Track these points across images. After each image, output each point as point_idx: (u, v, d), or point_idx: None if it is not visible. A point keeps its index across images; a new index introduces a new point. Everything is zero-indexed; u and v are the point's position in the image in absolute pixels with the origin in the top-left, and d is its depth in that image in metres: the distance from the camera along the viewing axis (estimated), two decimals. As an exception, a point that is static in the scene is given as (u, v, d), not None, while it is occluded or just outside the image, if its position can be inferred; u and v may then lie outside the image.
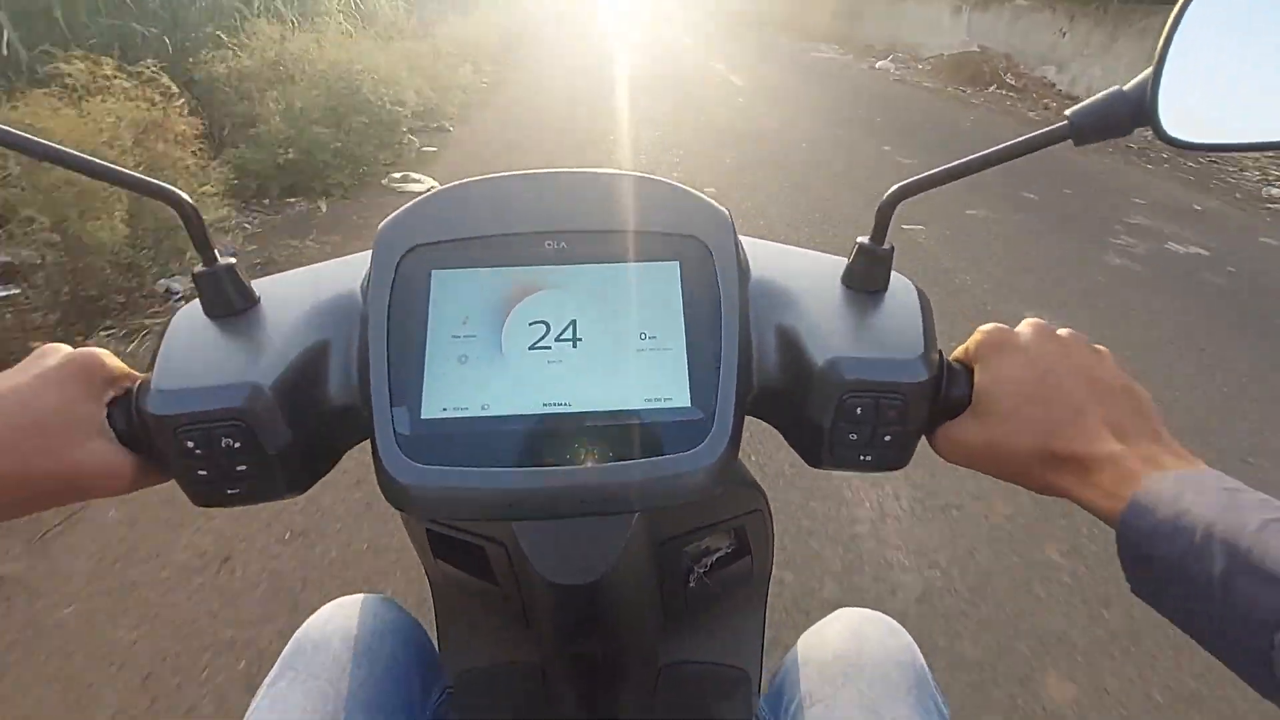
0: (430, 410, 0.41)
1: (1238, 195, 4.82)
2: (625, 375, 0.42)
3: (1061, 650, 1.45)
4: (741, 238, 0.48)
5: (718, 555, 0.59)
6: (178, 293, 2.74)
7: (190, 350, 0.42)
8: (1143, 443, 0.38)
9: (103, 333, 2.48)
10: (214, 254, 0.44)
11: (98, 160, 0.40)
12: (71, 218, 2.37)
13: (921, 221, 3.85)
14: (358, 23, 6.54)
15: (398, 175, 4.41)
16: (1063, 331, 0.43)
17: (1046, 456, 0.39)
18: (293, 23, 5.37)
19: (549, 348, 0.42)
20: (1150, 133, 0.40)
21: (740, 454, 0.44)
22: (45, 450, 0.37)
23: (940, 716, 0.52)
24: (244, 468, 0.40)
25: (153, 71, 3.12)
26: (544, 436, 0.40)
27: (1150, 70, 0.39)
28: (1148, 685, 1.38)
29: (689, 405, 0.41)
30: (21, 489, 0.37)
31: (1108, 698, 1.36)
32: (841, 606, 0.61)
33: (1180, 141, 0.39)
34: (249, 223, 3.62)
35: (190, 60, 4.15)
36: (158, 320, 2.56)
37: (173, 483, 0.42)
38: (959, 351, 0.45)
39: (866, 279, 0.46)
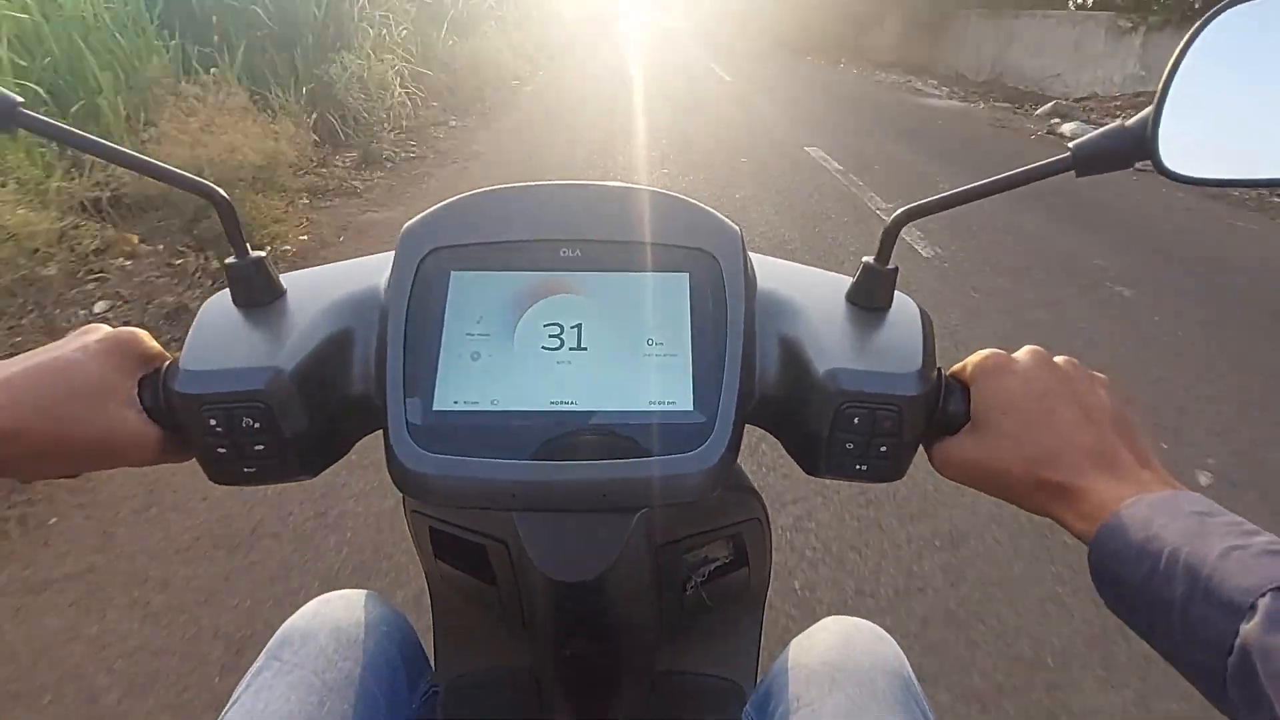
0: (442, 402, 0.43)
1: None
2: (631, 378, 0.43)
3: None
4: (751, 254, 0.49)
5: (715, 565, 0.60)
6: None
7: (218, 336, 0.44)
8: (1129, 470, 0.39)
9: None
10: (246, 247, 0.46)
11: (142, 156, 0.43)
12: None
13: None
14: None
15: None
16: (1060, 359, 0.44)
17: (1035, 479, 0.40)
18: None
19: (559, 349, 0.44)
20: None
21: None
22: (79, 417, 0.40)
23: None
24: (261, 448, 0.42)
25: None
26: (549, 432, 0.42)
27: (1152, 107, 0.40)
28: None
29: (692, 409, 0.43)
30: (57, 450, 0.40)
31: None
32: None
33: (1178, 175, 0.40)
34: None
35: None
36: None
37: None
38: (956, 370, 0.46)
39: (870, 296, 0.48)
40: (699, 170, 5.10)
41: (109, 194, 3.02)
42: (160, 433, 0.43)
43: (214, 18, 4.59)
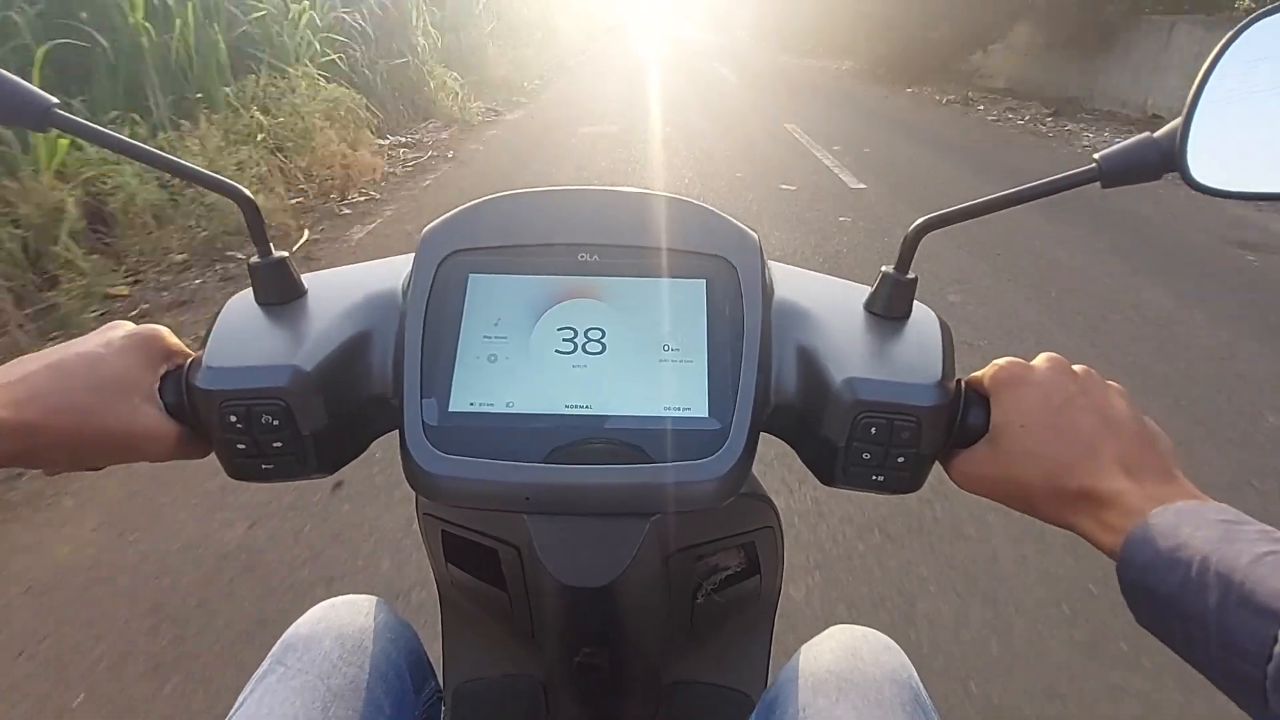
0: (458, 404, 0.43)
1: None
2: (647, 383, 0.43)
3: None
4: (770, 262, 0.49)
5: (726, 573, 0.59)
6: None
7: (240, 334, 0.45)
8: (1152, 479, 0.38)
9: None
10: (269, 247, 0.47)
11: (170, 156, 0.44)
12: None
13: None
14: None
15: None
16: (1078, 367, 0.43)
17: (1057, 491, 0.40)
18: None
19: (575, 353, 0.44)
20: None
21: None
22: (102, 411, 0.40)
23: None
24: (279, 444, 0.42)
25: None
26: (564, 435, 0.42)
27: (1181, 119, 0.40)
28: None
29: (707, 416, 0.42)
30: (80, 444, 0.40)
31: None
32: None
33: (1207, 188, 0.40)
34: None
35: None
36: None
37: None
38: (974, 381, 0.46)
39: (889, 306, 0.47)
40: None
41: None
42: (180, 428, 0.43)
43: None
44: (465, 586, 0.59)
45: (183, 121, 3.87)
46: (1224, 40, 0.40)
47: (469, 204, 0.48)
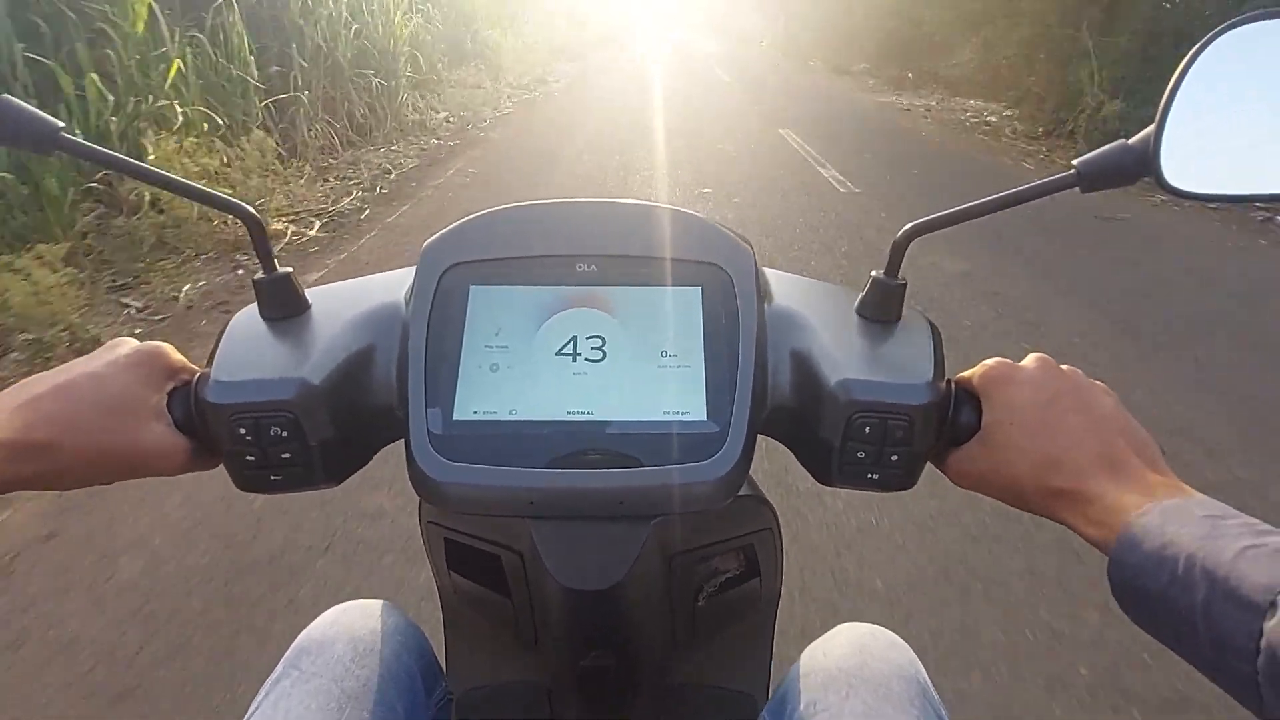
0: (462, 412, 0.44)
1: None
2: (646, 389, 0.44)
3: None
4: (764, 269, 0.50)
5: (727, 576, 0.60)
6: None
7: (247, 348, 0.46)
8: (1137, 476, 0.39)
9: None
10: (274, 263, 0.48)
11: (174, 176, 0.45)
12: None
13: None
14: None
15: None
16: (1066, 367, 0.45)
17: (1047, 488, 0.41)
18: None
19: (575, 361, 0.45)
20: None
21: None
22: (111, 429, 0.41)
23: None
24: (288, 456, 0.43)
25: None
26: (566, 441, 0.43)
27: (1154, 125, 0.41)
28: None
29: (705, 419, 0.44)
30: (89, 462, 0.41)
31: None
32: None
33: (1180, 191, 0.41)
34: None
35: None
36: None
37: None
38: (964, 380, 0.47)
39: (879, 309, 0.49)
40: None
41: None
42: (189, 443, 0.44)
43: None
44: (468, 594, 0.60)
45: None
46: (1194, 49, 0.42)
47: (469, 217, 0.50)
